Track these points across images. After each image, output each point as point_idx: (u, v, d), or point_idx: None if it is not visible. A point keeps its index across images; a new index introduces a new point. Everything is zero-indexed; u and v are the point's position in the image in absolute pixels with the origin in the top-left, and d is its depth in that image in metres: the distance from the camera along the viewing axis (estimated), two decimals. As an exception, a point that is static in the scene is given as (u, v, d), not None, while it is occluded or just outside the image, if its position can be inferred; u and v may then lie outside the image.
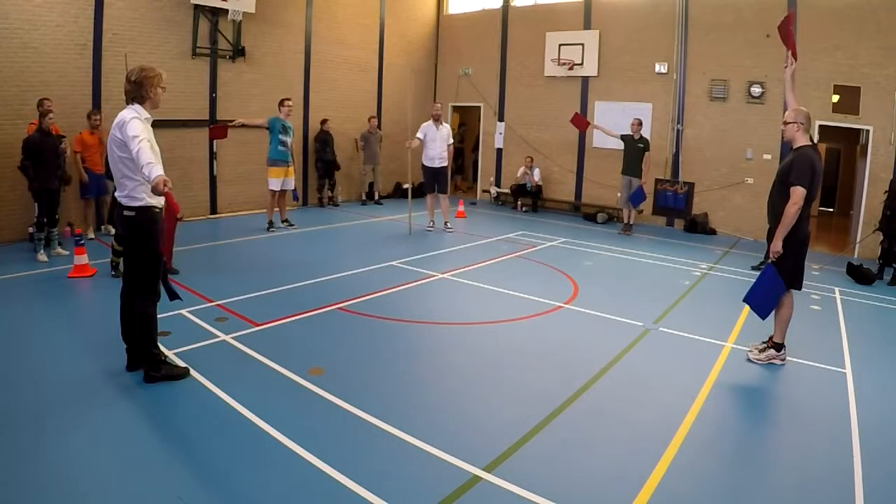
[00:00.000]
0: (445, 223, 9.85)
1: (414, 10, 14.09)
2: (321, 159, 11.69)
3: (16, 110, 7.73)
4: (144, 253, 3.83)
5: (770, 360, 4.79)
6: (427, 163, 9.68)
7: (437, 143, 9.56)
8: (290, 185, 9.36)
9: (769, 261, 4.67)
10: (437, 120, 9.60)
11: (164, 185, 3.38)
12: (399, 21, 13.62)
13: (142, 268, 3.88)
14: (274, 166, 9.06)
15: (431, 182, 9.75)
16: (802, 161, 4.43)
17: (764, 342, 4.92)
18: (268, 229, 9.22)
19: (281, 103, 9.16)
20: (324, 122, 11.67)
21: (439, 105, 10.05)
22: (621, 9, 11.83)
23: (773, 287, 4.66)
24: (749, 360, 4.84)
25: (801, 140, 4.58)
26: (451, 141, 9.83)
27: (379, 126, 12.85)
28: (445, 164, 9.70)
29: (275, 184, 9.11)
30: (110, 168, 3.93)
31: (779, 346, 4.80)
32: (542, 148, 13.08)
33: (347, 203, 12.45)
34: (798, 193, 4.39)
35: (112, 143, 3.78)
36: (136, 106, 3.85)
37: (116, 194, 3.88)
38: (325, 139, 11.63)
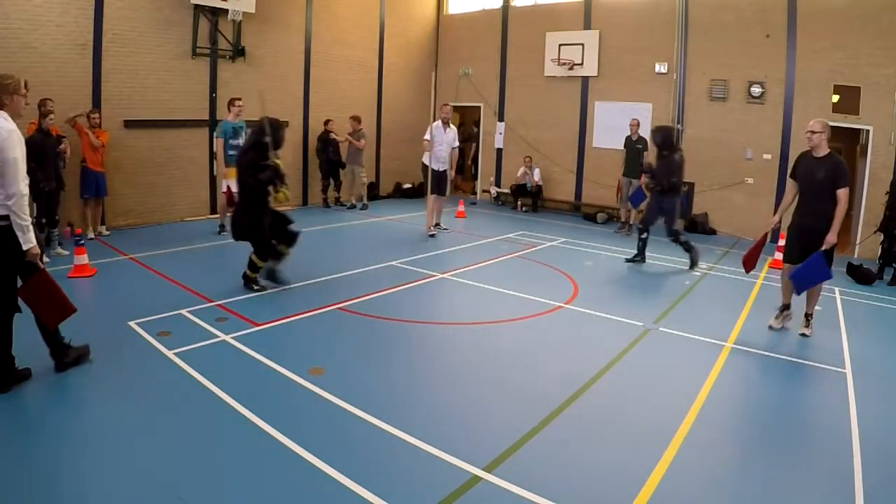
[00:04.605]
0: (437, 224, 9.74)
1: (414, 10, 14.09)
2: (326, 159, 11.69)
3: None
4: (15, 261, 3.63)
5: (785, 321, 5.66)
6: (435, 166, 9.24)
7: (443, 147, 9.21)
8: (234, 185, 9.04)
9: (822, 249, 5.12)
10: (445, 122, 9.27)
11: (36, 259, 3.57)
12: (399, 21, 13.61)
13: (36, 268, 3.72)
14: (227, 167, 8.42)
15: (435, 185, 9.34)
16: (844, 167, 5.18)
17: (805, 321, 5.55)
18: (219, 233, 8.79)
19: (231, 103, 8.60)
20: (327, 122, 11.67)
21: (450, 107, 9.53)
22: (621, 9, 11.83)
23: (820, 273, 5.16)
24: (806, 335, 5.44)
25: (826, 147, 5.23)
26: (456, 145, 9.51)
27: (379, 125, 12.76)
28: (447, 167, 9.38)
29: (230, 184, 8.38)
30: None
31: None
32: (542, 148, 13.08)
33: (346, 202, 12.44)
34: (847, 194, 5.12)
35: None
36: (2, 112, 3.62)
37: None
38: (326, 139, 11.64)
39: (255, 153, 5.84)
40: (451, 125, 9.45)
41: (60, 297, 3.89)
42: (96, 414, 3.59)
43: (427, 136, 9.16)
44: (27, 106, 3.87)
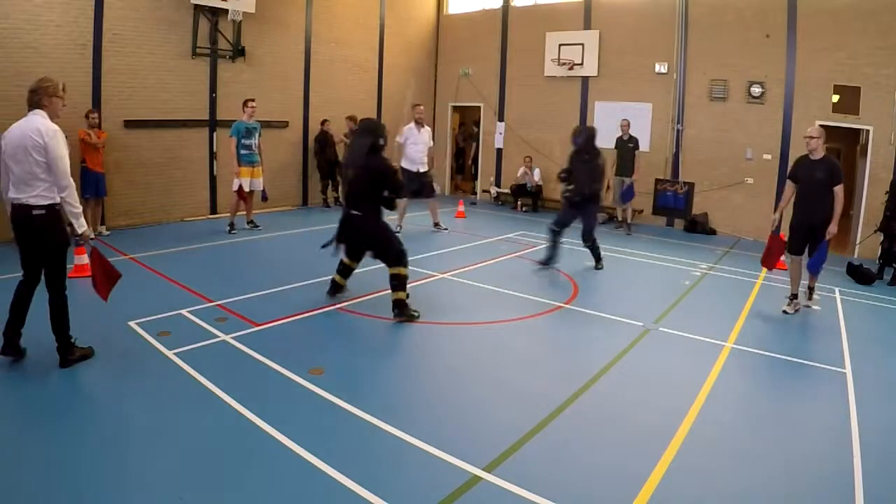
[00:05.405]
0: (436, 224, 9.78)
1: (414, 10, 14.09)
2: (325, 160, 11.66)
3: (16, 111, 7.71)
4: (57, 247, 3.99)
5: (797, 308, 6.17)
6: (407, 165, 9.18)
7: (419, 147, 9.22)
8: (258, 185, 9.01)
9: (826, 240, 5.92)
10: (419, 123, 9.31)
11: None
12: (399, 21, 13.61)
13: (57, 262, 4.03)
14: (240, 166, 8.76)
15: (410, 186, 8.91)
16: (839, 167, 5.85)
17: (787, 298, 6.21)
18: (229, 231, 8.83)
19: (245, 104, 8.85)
20: (323, 122, 11.64)
21: (422, 107, 9.76)
22: (621, 9, 11.83)
23: (824, 254, 6.04)
24: (812, 307, 6.20)
25: (822, 150, 5.85)
26: (432, 144, 9.60)
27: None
28: (425, 167, 9.36)
29: (244, 183, 8.78)
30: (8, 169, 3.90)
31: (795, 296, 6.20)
32: (542, 148, 13.08)
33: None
34: (843, 189, 5.78)
35: (30, 146, 3.79)
36: (42, 112, 3.94)
37: (16, 196, 3.86)
38: (323, 140, 11.62)
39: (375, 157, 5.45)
40: (426, 125, 9.57)
41: (110, 266, 4.38)
42: (96, 414, 3.59)
43: (399, 139, 9.17)
44: (64, 108, 4.17)
